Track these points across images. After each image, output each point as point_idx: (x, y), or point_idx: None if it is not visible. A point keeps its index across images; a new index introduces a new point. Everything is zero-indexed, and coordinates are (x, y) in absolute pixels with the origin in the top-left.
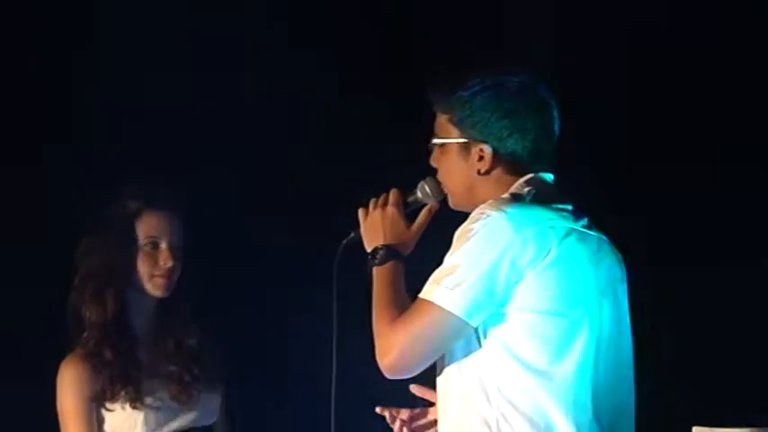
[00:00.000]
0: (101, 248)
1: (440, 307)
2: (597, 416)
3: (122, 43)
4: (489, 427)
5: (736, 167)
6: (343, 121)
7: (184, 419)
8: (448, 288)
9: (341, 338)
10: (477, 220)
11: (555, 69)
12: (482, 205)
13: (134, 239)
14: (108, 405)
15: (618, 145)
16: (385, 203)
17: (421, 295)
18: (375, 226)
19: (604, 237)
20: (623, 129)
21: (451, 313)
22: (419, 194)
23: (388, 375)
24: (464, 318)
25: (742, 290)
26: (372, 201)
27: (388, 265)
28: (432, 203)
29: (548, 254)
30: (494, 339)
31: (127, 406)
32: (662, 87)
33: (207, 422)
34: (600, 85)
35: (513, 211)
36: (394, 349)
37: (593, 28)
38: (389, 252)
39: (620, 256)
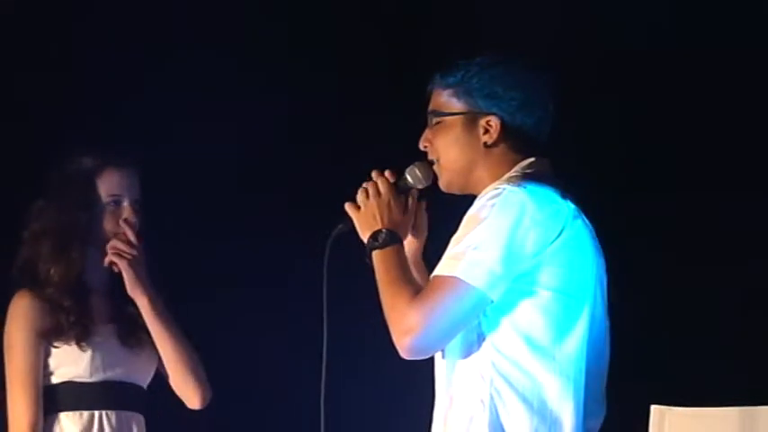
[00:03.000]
0: (58, 207)
1: (465, 282)
2: (588, 398)
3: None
4: (483, 402)
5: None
6: (340, 118)
7: (127, 369)
8: (472, 263)
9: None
10: (496, 196)
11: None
12: (497, 182)
13: (96, 197)
14: (55, 342)
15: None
16: (377, 191)
17: (442, 272)
18: (372, 213)
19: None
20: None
21: (476, 288)
22: (409, 179)
23: (408, 356)
24: (487, 292)
25: (702, 271)
26: (362, 190)
27: (392, 247)
28: (420, 188)
29: (561, 233)
30: (501, 314)
31: (73, 344)
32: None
33: (139, 382)
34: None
35: (532, 188)
36: (417, 327)
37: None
38: (391, 235)
39: None
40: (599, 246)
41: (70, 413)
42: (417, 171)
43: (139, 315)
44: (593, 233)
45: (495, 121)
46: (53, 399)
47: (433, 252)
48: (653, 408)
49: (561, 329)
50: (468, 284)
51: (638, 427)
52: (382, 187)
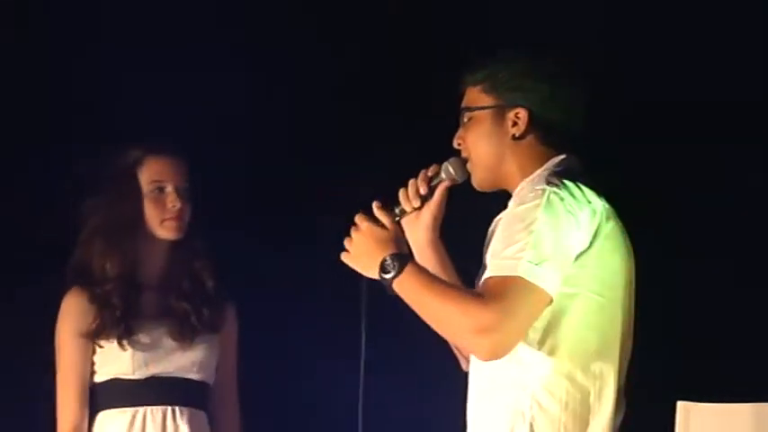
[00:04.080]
0: (105, 204)
1: (530, 281)
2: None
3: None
4: (524, 415)
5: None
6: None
7: (176, 363)
8: (533, 263)
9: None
10: (540, 197)
11: None
12: (530, 179)
13: (138, 188)
14: (100, 341)
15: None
16: (356, 227)
17: (504, 272)
18: (363, 250)
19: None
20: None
21: (540, 287)
22: (443, 175)
23: (489, 357)
24: (550, 292)
25: (724, 266)
26: (347, 239)
27: (411, 266)
28: (455, 183)
29: (597, 234)
30: (541, 319)
31: (115, 342)
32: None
33: (196, 376)
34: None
35: (570, 188)
36: (497, 325)
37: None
38: (398, 257)
39: None
40: (630, 245)
41: (113, 410)
42: (450, 168)
43: (194, 311)
44: (625, 232)
45: (522, 113)
46: (98, 397)
47: (458, 248)
48: (679, 404)
49: (599, 332)
50: (534, 284)
51: (664, 424)
52: (358, 220)
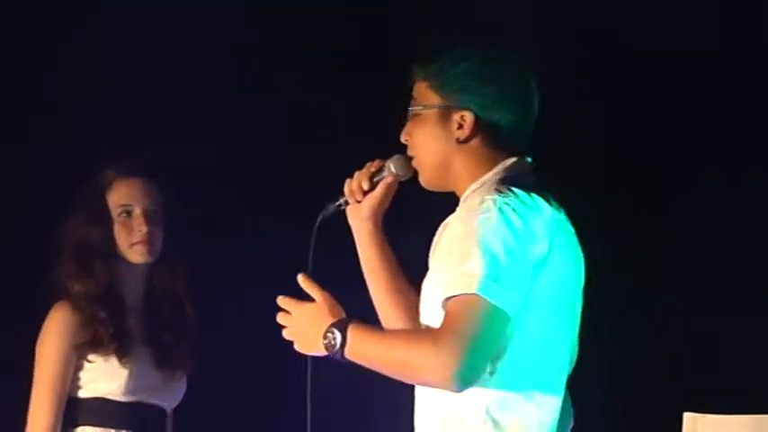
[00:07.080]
0: (77, 226)
1: (490, 302)
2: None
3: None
4: (475, 429)
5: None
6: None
7: (158, 393)
8: (491, 279)
9: None
10: (490, 208)
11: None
12: (477, 184)
13: (107, 212)
14: (90, 357)
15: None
16: (286, 313)
17: (459, 290)
18: (301, 331)
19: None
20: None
21: (500, 309)
22: (385, 173)
23: (459, 388)
24: (510, 313)
25: (731, 275)
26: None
27: (351, 328)
28: (391, 178)
29: (551, 245)
30: None
31: (113, 360)
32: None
33: (168, 406)
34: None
35: (520, 196)
36: (461, 359)
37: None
38: (335, 326)
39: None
40: (581, 255)
41: (95, 428)
42: (392, 166)
43: (175, 341)
44: (576, 242)
45: (468, 117)
46: (79, 412)
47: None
48: (686, 415)
49: (551, 347)
50: (493, 304)
51: None
52: (285, 304)
